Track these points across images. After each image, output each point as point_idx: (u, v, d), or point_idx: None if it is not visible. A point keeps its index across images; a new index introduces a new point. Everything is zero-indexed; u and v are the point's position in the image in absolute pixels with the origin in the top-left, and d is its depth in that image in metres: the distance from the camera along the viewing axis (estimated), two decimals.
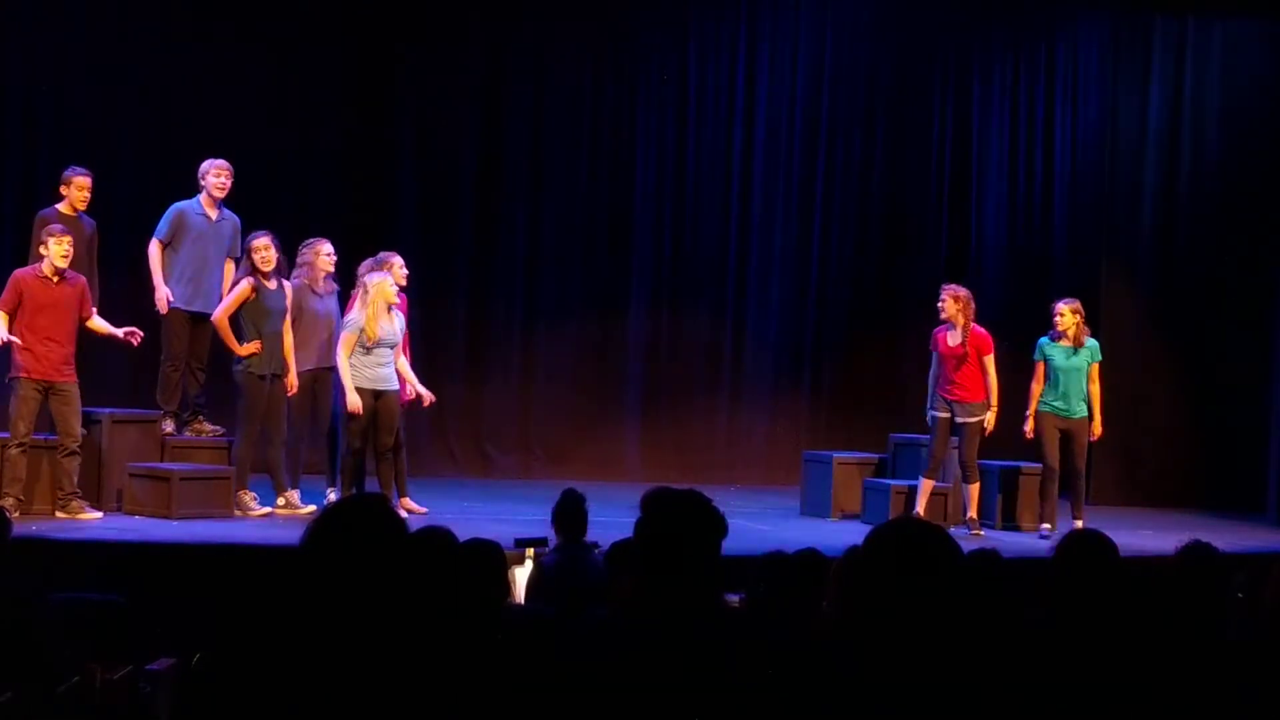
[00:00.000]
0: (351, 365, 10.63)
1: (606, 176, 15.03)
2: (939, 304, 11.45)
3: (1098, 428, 11.54)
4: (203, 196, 11.17)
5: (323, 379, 11.02)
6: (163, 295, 11.01)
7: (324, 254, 11.08)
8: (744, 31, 15.28)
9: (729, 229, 15.26)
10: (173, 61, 13.63)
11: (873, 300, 15.45)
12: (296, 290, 10.91)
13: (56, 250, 10.01)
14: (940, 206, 15.53)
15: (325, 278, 11.09)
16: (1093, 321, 14.28)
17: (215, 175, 11.13)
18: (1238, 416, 14.26)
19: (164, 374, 11.18)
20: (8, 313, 9.99)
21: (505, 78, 14.67)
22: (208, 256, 11.17)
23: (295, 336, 10.89)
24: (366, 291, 10.69)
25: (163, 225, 11.14)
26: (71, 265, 10.20)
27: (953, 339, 11.39)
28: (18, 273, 10.12)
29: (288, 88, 14.03)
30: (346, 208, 14.00)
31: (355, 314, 10.72)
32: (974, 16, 15.37)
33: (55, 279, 10.06)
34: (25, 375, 9.97)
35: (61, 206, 10.86)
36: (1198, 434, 14.41)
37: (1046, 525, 11.47)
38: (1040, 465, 11.67)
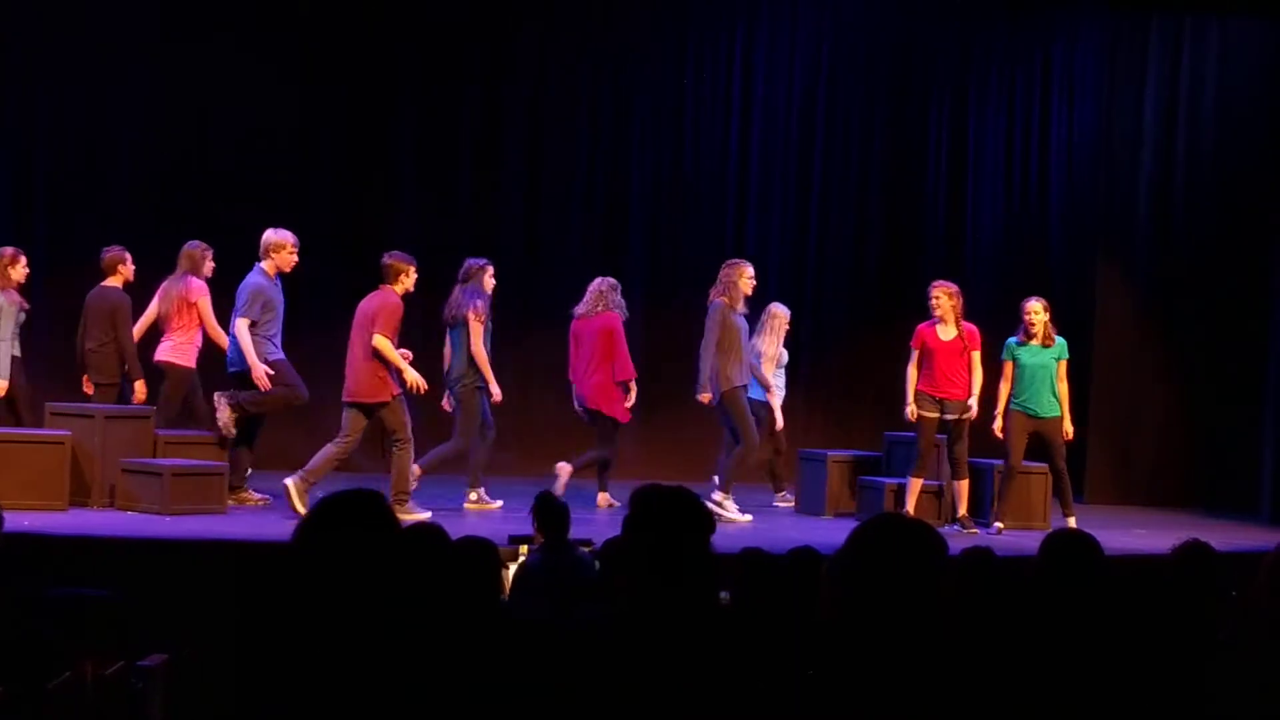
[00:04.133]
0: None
1: (603, 174, 15.07)
2: (930, 301, 11.50)
3: (1068, 427, 11.54)
4: (268, 265, 11.00)
5: (741, 395, 11.76)
6: (261, 372, 10.82)
7: (747, 276, 11.78)
8: (741, 31, 15.30)
9: (724, 227, 15.27)
10: (172, 66, 13.68)
11: (869, 298, 15.45)
12: (721, 309, 11.58)
13: (411, 280, 10.95)
14: (936, 205, 15.53)
15: (744, 299, 11.78)
16: (1087, 320, 14.35)
17: (290, 253, 11.02)
18: (1232, 415, 14.26)
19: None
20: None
21: (503, 76, 14.71)
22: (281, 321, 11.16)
23: (728, 355, 11.55)
24: (774, 318, 12.52)
25: (254, 307, 10.88)
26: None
27: (945, 334, 11.46)
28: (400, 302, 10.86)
29: (287, 93, 14.07)
30: (344, 205, 14.05)
31: (764, 342, 12.39)
32: (972, 16, 15.35)
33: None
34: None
35: (113, 281, 11.31)
36: (1192, 433, 14.41)
37: (999, 524, 11.51)
38: (1044, 464, 11.73)
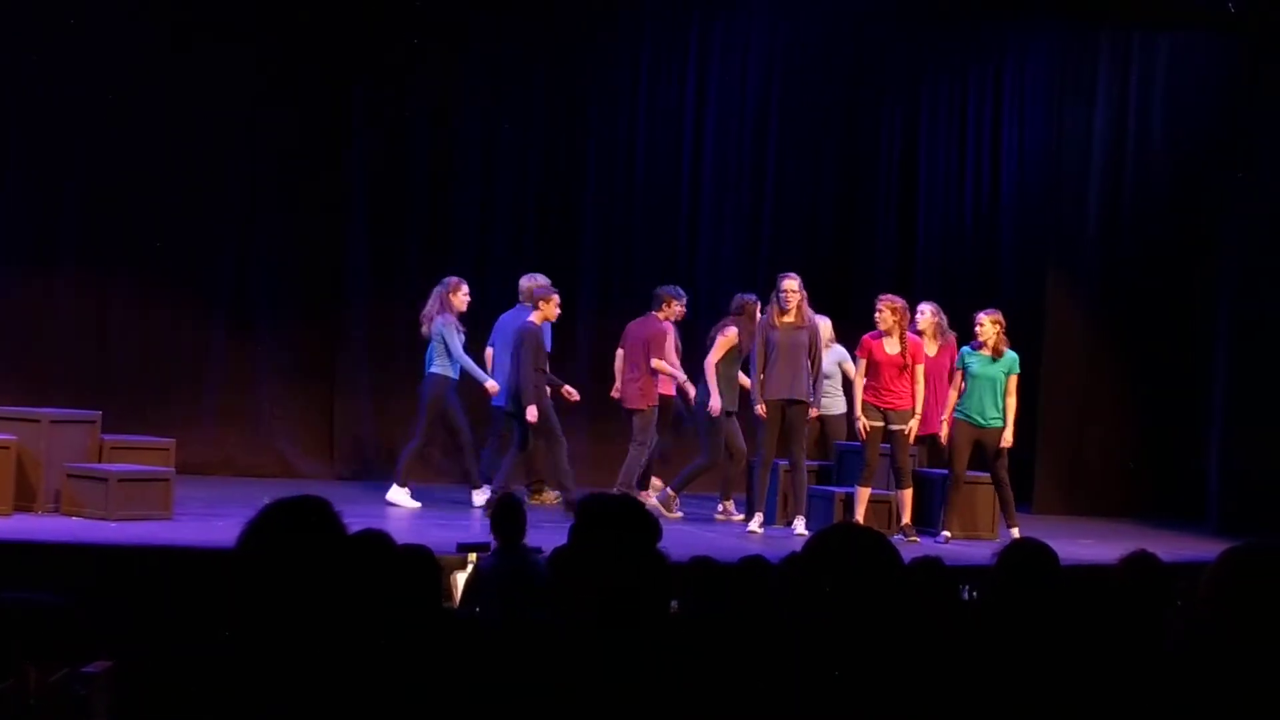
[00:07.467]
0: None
1: (555, 190, 15.08)
2: (875, 315, 11.60)
3: (1008, 436, 11.65)
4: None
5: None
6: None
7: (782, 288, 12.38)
8: (694, 48, 15.33)
9: (678, 243, 15.34)
10: (125, 86, 13.63)
11: (820, 311, 15.46)
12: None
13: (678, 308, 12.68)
14: (889, 216, 15.62)
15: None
16: (1037, 333, 14.40)
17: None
18: (1180, 425, 14.35)
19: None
20: None
21: (456, 91, 14.70)
22: None
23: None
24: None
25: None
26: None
27: (891, 347, 11.57)
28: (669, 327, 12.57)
29: (241, 113, 14.03)
30: (296, 225, 14.06)
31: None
32: (923, 32, 15.42)
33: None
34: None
35: (535, 318, 12.11)
36: (1140, 443, 14.49)
37: (946, 533, 11.58)
38: (987, 474, 11.80)
